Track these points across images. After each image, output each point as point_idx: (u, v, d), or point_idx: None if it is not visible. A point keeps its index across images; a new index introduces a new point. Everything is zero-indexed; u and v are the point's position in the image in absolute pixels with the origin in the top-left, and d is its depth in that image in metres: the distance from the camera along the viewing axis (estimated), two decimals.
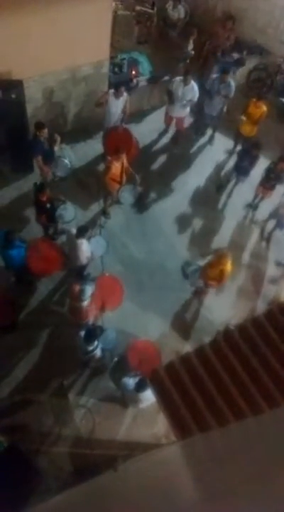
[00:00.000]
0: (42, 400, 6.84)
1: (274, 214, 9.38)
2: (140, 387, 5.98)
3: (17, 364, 7.20)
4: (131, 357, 6.76)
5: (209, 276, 7.57)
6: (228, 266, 7.37)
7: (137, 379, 6.13)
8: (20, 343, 7.36)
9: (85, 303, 6.64)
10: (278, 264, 8.91)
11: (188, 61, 10.93)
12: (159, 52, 11.37)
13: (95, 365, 7.04)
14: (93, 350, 6.46)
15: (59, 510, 3.67)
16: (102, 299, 7.05)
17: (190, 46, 10.78)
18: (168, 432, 6.11)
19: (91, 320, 6.96)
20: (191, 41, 10.71)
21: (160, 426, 6.56)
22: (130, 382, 6.21)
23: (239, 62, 10.62)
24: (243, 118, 9.40)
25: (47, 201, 7.56)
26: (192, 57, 10.99)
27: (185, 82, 9.16)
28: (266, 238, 9.30)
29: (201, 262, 8.09)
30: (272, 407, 3.99)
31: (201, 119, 10.41)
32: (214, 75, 9.66)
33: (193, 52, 10.84)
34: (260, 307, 8.15)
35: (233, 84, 9.44)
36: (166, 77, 10.51)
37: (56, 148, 8.38)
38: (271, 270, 8.87)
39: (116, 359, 7.00)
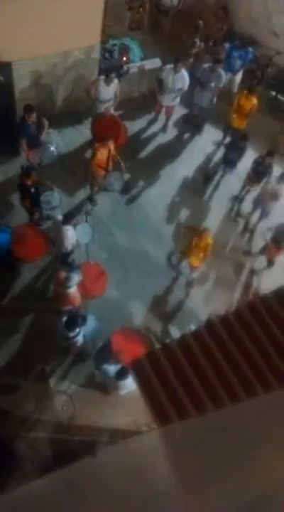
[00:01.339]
0: (23, 386, 6.83)
1: (257, 202, 9.39)
2: (120, 375, 6.01)
3: None
4: (115, 345, 6.78)
5: (196, 256, 7.64)
6: (210, 239, 7.58)
7: (118, 367, 6.15)
8: (1, 328, 7.32)
9: (70, 290, 6.62)
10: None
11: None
12: (151, 39, 11.26)
13: (76, 351, 7.04)
14: (74, 337, 6.46)
15: (37, 495, 3.68)
16: (86, 286, 7.04)
17: (198, 42, 10.62)
18: (148, 419, 6.16)
19: (75, 307, 6.95)
20: (198, 35, 10.56)
21: (141, 414, 6.58)
22: (112, 369, 6.24)
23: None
24: (234, 115, 9.41)
25: (31, 185, 7.47)
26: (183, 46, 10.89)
27: (175, 71, 9.09)
28: (251, 230, 9.35)
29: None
30: (251, 395, 4.03)
31: (198, 115, 10.38)
32: (205, 65, 9.61)
33: (203, 44, 10.70)
34: (243, 298, 8.23)
35: (223, 74, 9.40)
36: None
37: (43, 133, 8.28)
38: (254, 261, 8.93)
39: (100, 345, 7.00)
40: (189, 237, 7.89)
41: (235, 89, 10.49)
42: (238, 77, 10.61)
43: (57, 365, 7.19)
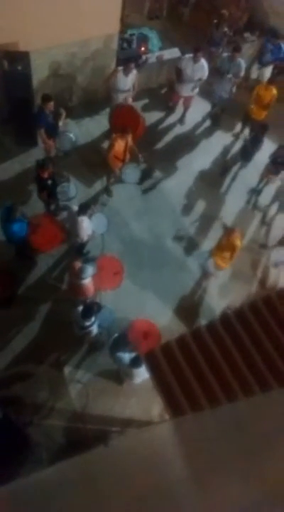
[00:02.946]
0: (38, 373, 6.90)
1: (276, 197, 9.31)
2: (134, 362, 6.03)
3: (14, 337, 7.25)
4: (132, 335, 6.79)
5: (222, 256, 7.60)
6: (239, 242, 7.46)
7: (133, 354, 6.18)
8: (18, 316, 7.40)
9: (85, 281, 6.65)
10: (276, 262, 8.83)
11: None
12: (170, 29, 11.15)
13: (91, 341, 7.09)
14: (89, 326, 6.50)
15: (49, 482, 3.73)
16: (102, 279, 7.06)
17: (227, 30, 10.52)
18: (161, 410, 6.19)
19: (89, 298, 6.99)
20: (225, 24, 10.45)
21: (154, 405, 6.63)
22: (126, 356, 6.27)
23: None
24: (253, 106, 9.29)
25: (48, 178, 7.50)
26: (202, 36, 10.76)
27: (195, 60, 8.99)
28: (267, 223, 9.26)
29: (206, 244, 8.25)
30: (265, 390, 4.02)
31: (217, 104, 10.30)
32: (225, 54, 9.50)
33: (231, 32, 10.60)
34: (259, 292, 8.17)
35: (243, 63, 9.28)
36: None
37: (61, 122, 8.28)
38: (270, 255, 8.85)
39: (116, 335, 7.03)
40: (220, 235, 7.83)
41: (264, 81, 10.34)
42: (268, 70, 10.47)
43: (71, 354, 7.24)
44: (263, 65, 10.51)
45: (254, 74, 10.58)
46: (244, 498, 2.28)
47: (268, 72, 10.43)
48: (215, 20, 10.30)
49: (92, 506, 2.94)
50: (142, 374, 6.04)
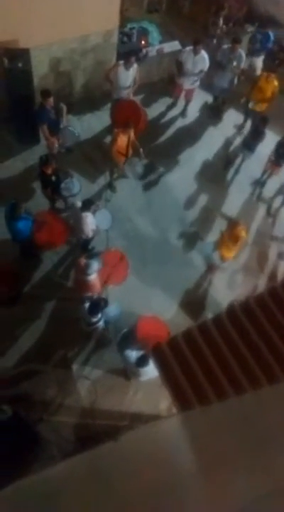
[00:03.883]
0: (45, 371, 6.92)
1: (281, 191, 9.28)
2: (140, 361, 6.03)
3: (21, 335, 7.26)
4: (140, 332, 6.78)
5: (227, 248, 7.60)
6: (244, 233, 7.48)
7: (139, 353, 6.17)
8: (24, 314, 7.41)
9: (91, 277, 6.65)
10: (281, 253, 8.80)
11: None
12: (169, 22, 11.08)
13: (98, 337, 7.10)
14: (96, 322, 6.50)
15: (60, 478, 3.75)
16: (107, 273, 7.05)
17: (221, 22, 10.47)
18: (169, 405, 6.19)
19: (95, 294, 6.99)
20: (221, 18, 10.40)
21: (162, 399, 6.64)
22: (133, 355, 6.26)
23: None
24: (255, 98, 9.23)
25: (52, 174, 7.51)
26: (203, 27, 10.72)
27: (195, 52, 8.94)
28: (272, 215, 9.22)
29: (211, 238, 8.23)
30: (272, 382, 4.01)
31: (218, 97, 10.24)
32: (225, 46, 9.43)
33: (225, 27, 10.56)
34: (265, 284, 8.15)
35: (244, 55, 9.22)
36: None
37: (63, 118, 8.26)
38: (276, 247, 8.82)
39: (125, 330, 7.02)
40: (224, 228, 7.82)
41: (257, 72, 10.21)
42: (260, 60, 10.37)
43: (79, 351, 7.25)
44: (252, 55, 10.38)
45: (246, 64, 10.45)
46: (252, 491, 2.28)
47: (259, 62, 10.30)
48: (213, 10, 10.27)
49: (102, 500, 2.96)
50: (148, 373, 6.04)
